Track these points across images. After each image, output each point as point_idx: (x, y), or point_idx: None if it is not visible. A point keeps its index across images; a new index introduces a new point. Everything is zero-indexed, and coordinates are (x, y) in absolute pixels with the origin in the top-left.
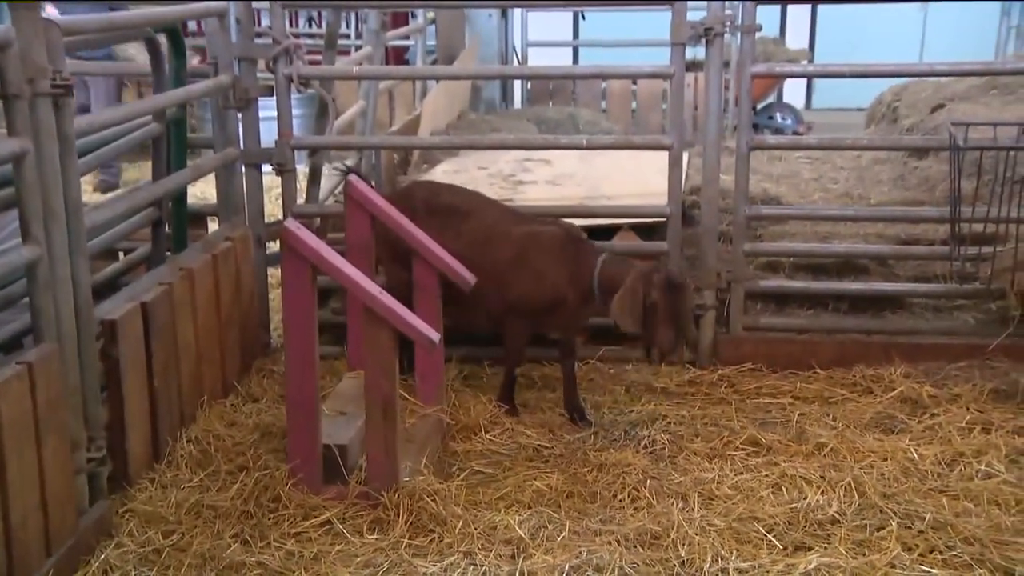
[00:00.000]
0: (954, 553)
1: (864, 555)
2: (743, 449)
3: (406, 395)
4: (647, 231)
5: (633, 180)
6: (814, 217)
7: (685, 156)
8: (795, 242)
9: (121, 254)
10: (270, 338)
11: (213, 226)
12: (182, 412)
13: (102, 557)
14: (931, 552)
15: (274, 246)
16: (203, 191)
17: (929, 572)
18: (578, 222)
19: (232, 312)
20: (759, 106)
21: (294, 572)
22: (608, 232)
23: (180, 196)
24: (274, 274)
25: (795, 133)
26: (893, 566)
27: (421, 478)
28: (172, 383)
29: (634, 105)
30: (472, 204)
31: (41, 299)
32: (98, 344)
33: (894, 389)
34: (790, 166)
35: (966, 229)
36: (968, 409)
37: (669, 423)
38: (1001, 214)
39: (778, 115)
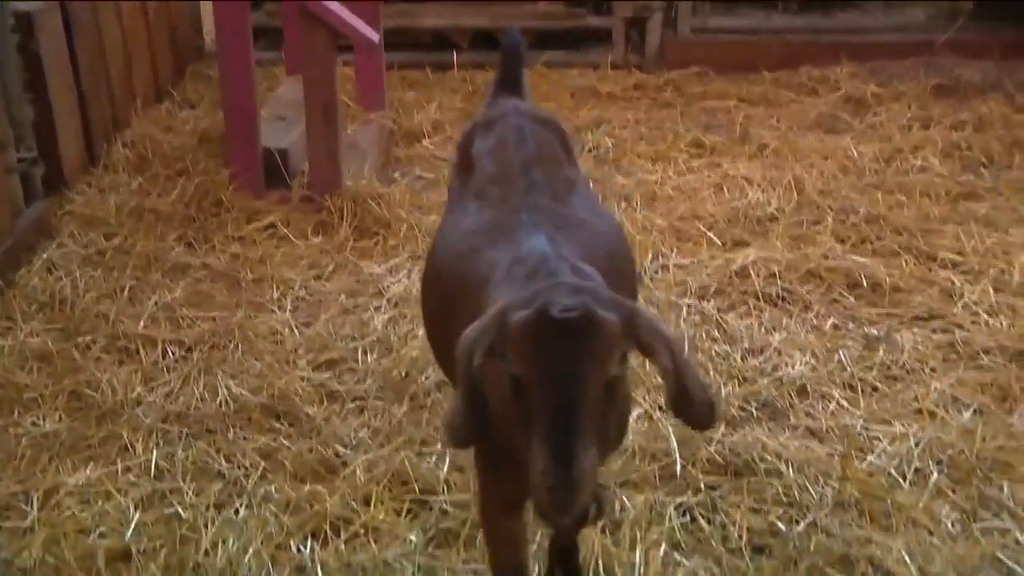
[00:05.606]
0: (883, 243)
1: (800, 248)
2: (687, 151)
3: (348, 100)
4: None
5: None
6: None
7: None
8: None
9: None
10: (203, 41)
11: None
12: (115, 116)
13: (44, 256)
14: (863, 243)
15: None
16: None
17: (858, 261)
18: None
19: (160, 12)
20: None
21: (240, 273)
22: None
23: None
24: None
25: None
26: (826, 257)
27: (364, 182)
28: (101, 85)
29: None
30: (500, 176)
31: None
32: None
33: (839, 89)
34: None
35: None
36: (910, 107)
37: (614, 127)
38: None
39: None
